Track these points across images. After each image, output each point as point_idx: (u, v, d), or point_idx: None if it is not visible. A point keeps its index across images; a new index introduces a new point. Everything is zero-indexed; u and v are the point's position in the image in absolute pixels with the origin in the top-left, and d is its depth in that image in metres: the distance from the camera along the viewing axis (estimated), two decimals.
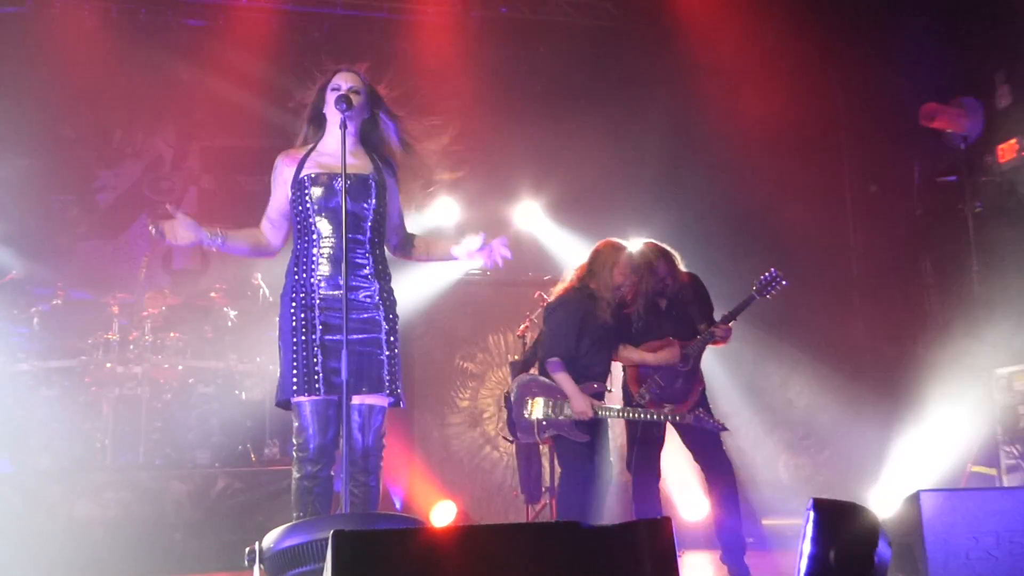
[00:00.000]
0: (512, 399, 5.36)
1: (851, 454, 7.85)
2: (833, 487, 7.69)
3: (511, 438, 5.46)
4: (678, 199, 8.25)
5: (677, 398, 5.27)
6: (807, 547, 2.92)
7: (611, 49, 8.71)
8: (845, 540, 2.89)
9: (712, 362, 7.17)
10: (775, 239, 7.88)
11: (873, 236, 8.44)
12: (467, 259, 4.12)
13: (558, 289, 5.45)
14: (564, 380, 5.19)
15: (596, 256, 5.38)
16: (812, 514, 2.94)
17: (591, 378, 5.27)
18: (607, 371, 5.40)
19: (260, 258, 4.04)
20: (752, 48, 8.15)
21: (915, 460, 6.95)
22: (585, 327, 5.26)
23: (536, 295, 6.51)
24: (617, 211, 7.65)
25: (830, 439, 8.09)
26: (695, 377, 5.32)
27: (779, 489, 7.77)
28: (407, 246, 4.20)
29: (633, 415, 5.27)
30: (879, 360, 8.13)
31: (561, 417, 5.21)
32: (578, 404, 5.16)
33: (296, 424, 3.84)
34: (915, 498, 3.52)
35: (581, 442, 5.20)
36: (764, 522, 7.21)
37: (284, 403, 3.91)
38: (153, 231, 3.80)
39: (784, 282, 5.25)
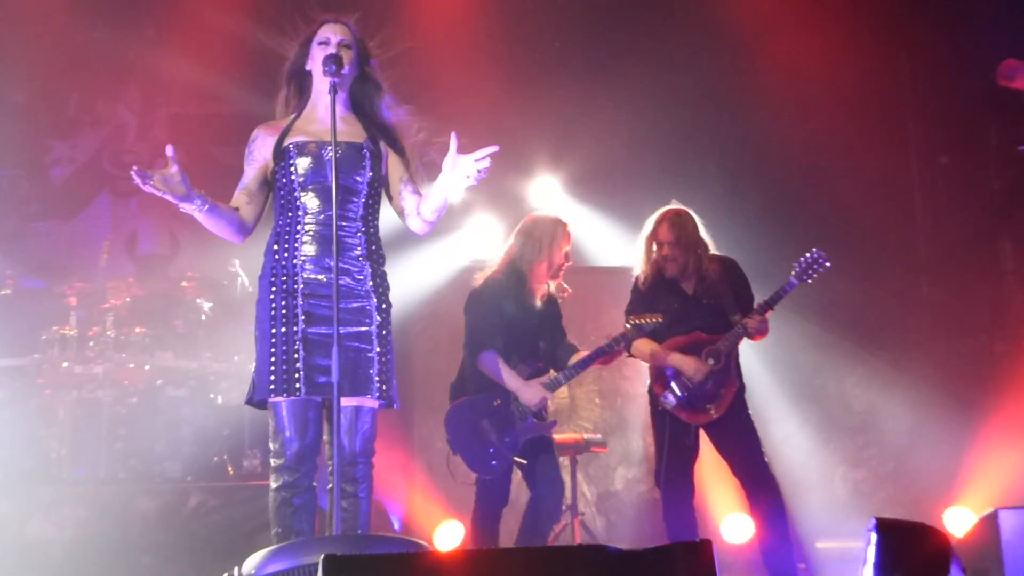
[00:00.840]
0: (454, 439, 5.39)
1: (919, 467, 7.82)
2: (898, 505, 7.66)
3: (487, 475, 5.39)
4: (715, 172, 8.23)
5: (707, 400, 5.28)
6: (868, 573, 2.92)
7: (639, 1, 8.66)
8: (912, 566, 2.89)
9: (755, 360, 7.15)
10: (829, 218, 7.84)
11: (944, 214, 8.39)
12: (454, 180, 3.83)
13: (482, 276, 5.52)
14: (506, 374, 5.30)
15: (526, 236, 5.47)
16: (874, 536, 2.93)
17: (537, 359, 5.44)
18: (556, 357, 5.55)
19: (233, 239, 4.00)
20: (808, 2, 8.09)
21: (992, 474, 6.93)
22: (518, 312, 5.39)
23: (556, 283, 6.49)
24: (645, 186, 7.62)
25: (894, 450, 8.07)
26: (728, 376, 5.32)
27: (836, 507, 7.76)
28: (412, 219, 4.08)
29: (582, 360, 5.39)
30: (951, 358, 8.09)
31: (521, 418, 5.27)
32: (528, 395, 5.28)
33: (272, 426, 3.84)
34: (993, 517, 3.51)
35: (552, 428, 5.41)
36: (818, 545, 7.21)
37: (259, 403, 3.90)
38: (136, 177, 3.57)
39: (827, 263, 5.29)
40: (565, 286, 6.20)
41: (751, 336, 5.32)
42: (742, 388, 5.38)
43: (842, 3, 7.96)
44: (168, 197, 3.69)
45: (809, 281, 5.32)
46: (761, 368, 7.51)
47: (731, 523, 7.17)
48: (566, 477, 6.64)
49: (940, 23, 7.91)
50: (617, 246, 7.89)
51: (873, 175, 8.22)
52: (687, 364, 5.26)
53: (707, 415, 5.28)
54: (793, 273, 5.31)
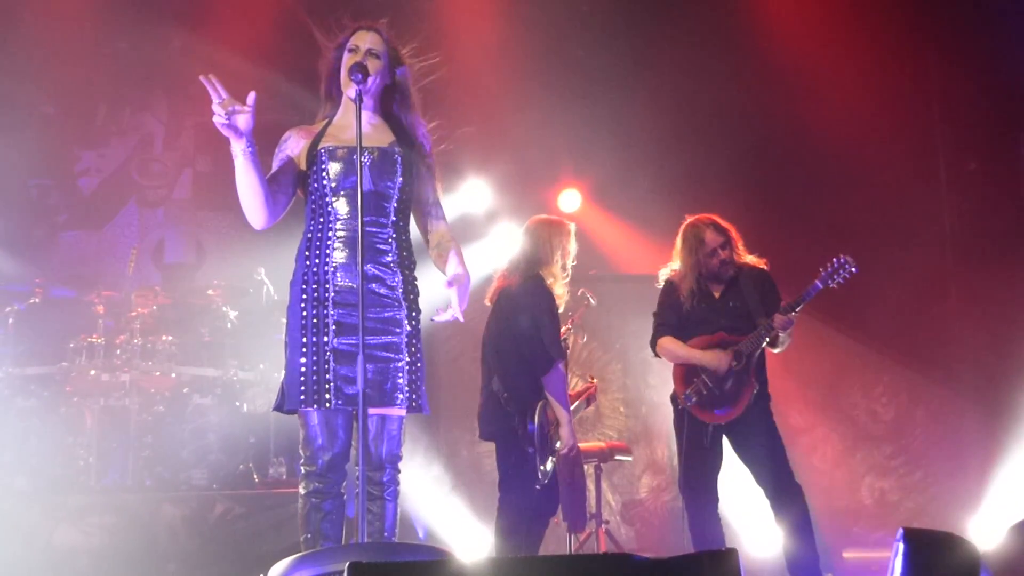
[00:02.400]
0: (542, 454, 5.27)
1: (947, 476, 7.78)
2: (926, 514, 7.62)
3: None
4: (742, 180, 8.20)
5: (726, 401, 5.27)
6: None
7: (666, 5, 8.66)
8: None
9: (782, 369, 7.11)
10: (856, 225, 7.81)
11: (972, 221, 8.34)
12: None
13: (515, 278, 5.40)
14: (563, 403, 5.24)
15: (537, 240, 5.44)
16: (901, 546, 2.91)
17: None
18: None
19: (258, 211, 3.94)
20: (832, 4, 8.07)
21: (1022, 483, 6.87)
22: None
23: (579, 292, 6.50)
24: (671, 195, 7.61)
25: (922, 458, 8.02)
26: (748, 378, 5.30)
27: (862, 517, 7.72)
28: (432, 251, 4.11)
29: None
30: (979, 366, 8.04)
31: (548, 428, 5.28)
32: (568, 434, 5.23)
33: (303, 435, 3.87)
34: (1022, 527, 3.47)
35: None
36: (845, 555, 7.17)
37: (288, 410, 3.91)
38: (207, 82, 3.67)
39: (854, 269, 5.29)
40: (589, 295, 6.19)
41: (776, 332, 5.28)
42: (763, 394, 5.36)
43: (870, 10, 7.92)
44: (227, 128, 3.74)
45: (834, 285, 5.32)
46: (787, 377, 7.47)
47: (756, 533, 7.13)
48: (591, 486, 6.64)
49: (969, 30, 7.87)
50: (642, 254, 7.88)
51: (901, 182, 8.18)
52: (710, 357, 5.28)
53: (724, 416, 5.28)
54: (819, 277, 5.32)
